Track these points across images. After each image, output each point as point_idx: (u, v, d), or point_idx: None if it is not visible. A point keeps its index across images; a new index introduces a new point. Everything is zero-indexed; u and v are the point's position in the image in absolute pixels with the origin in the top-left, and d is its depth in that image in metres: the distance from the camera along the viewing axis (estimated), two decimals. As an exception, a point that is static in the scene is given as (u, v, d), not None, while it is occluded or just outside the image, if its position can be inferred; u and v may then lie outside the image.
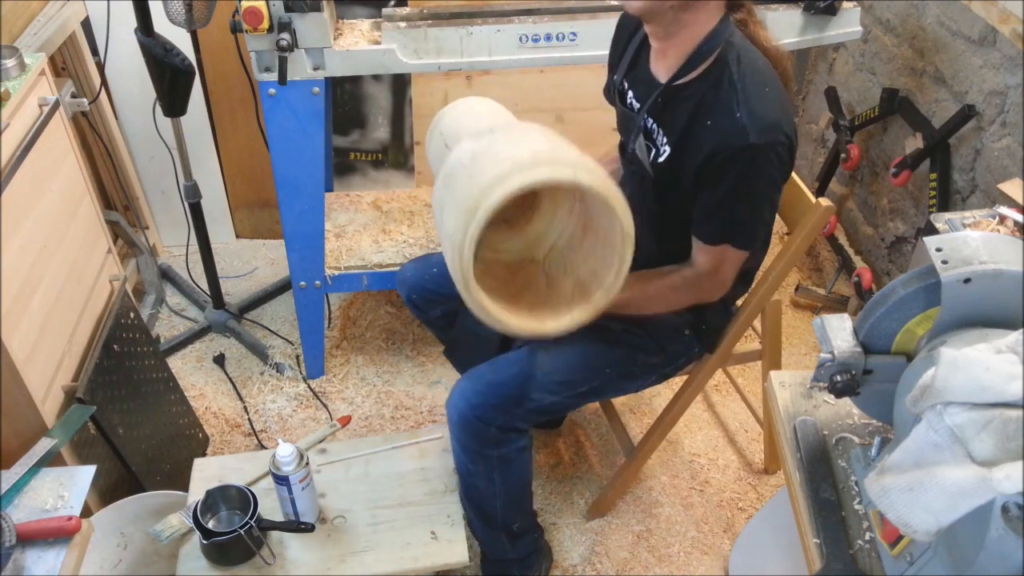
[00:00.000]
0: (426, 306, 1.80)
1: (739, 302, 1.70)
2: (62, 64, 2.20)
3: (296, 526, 1.51)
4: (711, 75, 1.35)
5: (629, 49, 1.52)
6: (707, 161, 1.34)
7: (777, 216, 1.73)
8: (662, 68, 1.42)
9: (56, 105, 1.63)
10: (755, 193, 1.36)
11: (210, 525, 1.49)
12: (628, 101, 1.52)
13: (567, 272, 1.45)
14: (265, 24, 1.68)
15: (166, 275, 2.66)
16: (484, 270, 1.44)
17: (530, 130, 1.31)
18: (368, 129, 2.57)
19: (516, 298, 1.40)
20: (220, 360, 2.41)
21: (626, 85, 1.52)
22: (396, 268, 2.16)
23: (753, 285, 1.65)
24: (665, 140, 1.42)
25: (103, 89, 2.29)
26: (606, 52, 1.62)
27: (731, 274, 1.49)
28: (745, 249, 1.44)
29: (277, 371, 2.38)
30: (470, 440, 1.54)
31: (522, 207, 1.55)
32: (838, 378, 1.05)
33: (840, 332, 1.07)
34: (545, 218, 1.53)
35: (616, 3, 1.76)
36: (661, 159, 1.43)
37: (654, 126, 1.44)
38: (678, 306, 1.55)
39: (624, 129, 1.56)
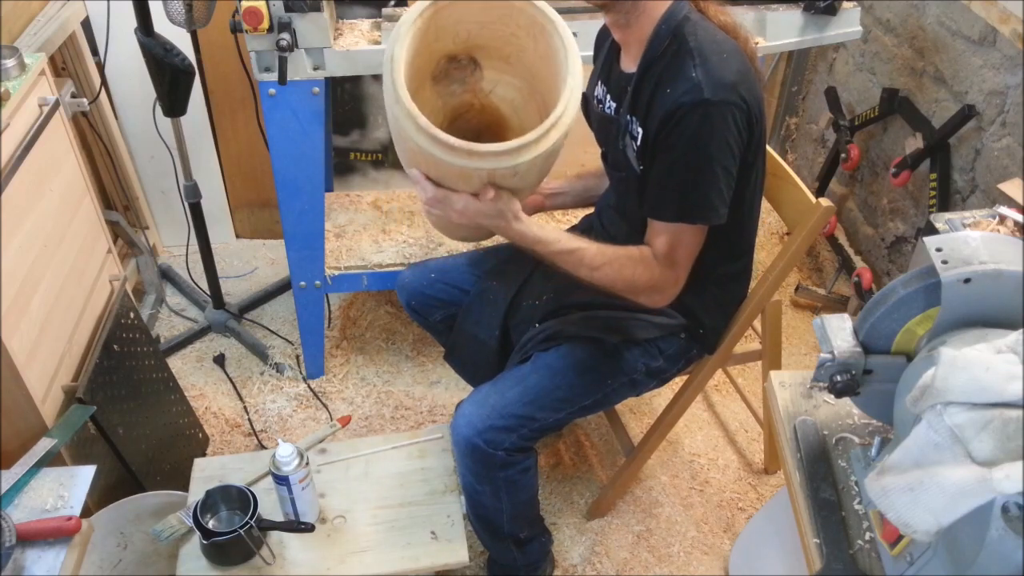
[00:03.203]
0: (425, 311, 1.80)
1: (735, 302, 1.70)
2: (62, 64, 2.20)
3: (296, 526, 1.51)
4: (670, 50, 1.34)
5: (600, 56, 1.53)
6: (663, 124, 1.32)
7: (777, 216, 1.74)
8: (630, 60, 1.42)
9: (56, 105, 1.63)
10: (708, 156, 1.31)
11: (210, 525, 1.48)
12: (607, 106, 1.51)
13: None
14: (265, 24, 1.68)
15: (166, 275, 2.66)
16: None
17: None
18: (368, 129, 2.58)
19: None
20: (220, 360, 2.41)
21: (604, 90, 1.52)
22: (396, 268, 2.16)
23: (753, 285, 1.65)
24: (637, 125, 1.40)
25: (103, 89, 2.29)
26: (605, 52, 1.62)
27: (684, 264, 1.43)
28: (701, 222, 1.38)
29: (277, 371, 2.38)
30: (476, 464, 1.53)
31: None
32: (838, 378, 1.05)
33: (840, 332, 1.07)
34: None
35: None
36: (639, 144, 1.40)
37: (631, 117, 1.41)
38: (632, 283, 1.43)
39: (604, 137, 1.54)
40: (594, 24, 1.80)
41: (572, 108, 1.26)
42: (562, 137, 1.28)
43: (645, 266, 1.43)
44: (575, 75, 1.23)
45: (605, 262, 1.43)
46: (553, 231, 1.42)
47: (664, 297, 1.48)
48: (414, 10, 1.21)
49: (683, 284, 1.47)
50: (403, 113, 1.19)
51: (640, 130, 1.39)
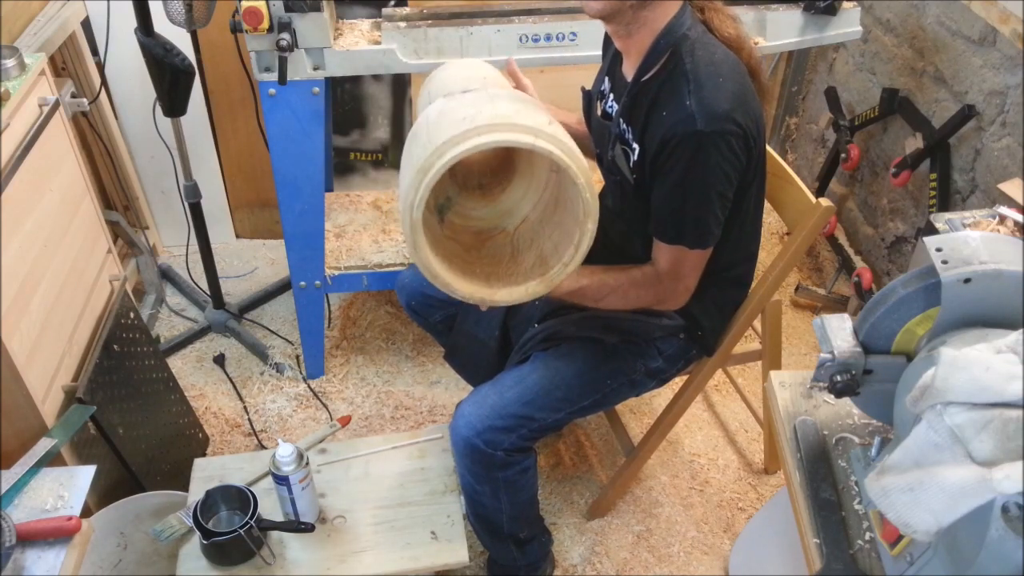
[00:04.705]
0: (425, 312, 1.80)
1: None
2: (62, 64, 2.20)
3: (296, 526, 1.51)
4: (667, 68, 1.35)
5: (608, 53, 1.53)
6: (659, 151, 1.33)
7: (777, 216, 1.74)
8: (629, 68, 1.42)
9: (56, 105, 1.63)
10: (704, 185, 1.33)
11: (210, 525, 1.49)
12: (608, 103, 1.51)
13: (532, 245, 1.40)
14: (265, 24, 1.68)
15: (166, 275, 2.66)
16: (450, 235, 1.41)
17: (501, 96, 1.27)
18: (368, 129, 2.58)
19: (474, 265, 1.36)
20: (220, 360, 2.41)
21: (610, 87, 1.52)
22: (396, 268, 2.16)
23: (753, 285, 1.65)
24: (632, 138, 1.41)
25: (103, 89, 2.29)
26: (605, 53, 1.62)
27: (692, 276, 1.46)
28: (699, 247, 1.40)
29: (277, 371, 2.38)
30: (475, 465, 1.53)
31: (498, 175, 1.52)
32: (838, 378, 1.05)
33: (840, 332, 1.07)
34: (520, 188, 1.48)
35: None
36: (635, 158, 1.41)
37: (626, 127, 1.43)
38: (638, 304, 1.50)
39: (599, 141, 1.54)
40: (594, 24, 1.78)
41: (577, 263, 1.29)
42: None
43: (648, 286, 1.47)
44: (586, 239, 1.25)
45: (609, 292, 1.47)
46: None
47: (675, 304, 1.53)
48: (441, 159, 1.16)
49: (694, 289, 1.49)
50: (419, 262, 1.26)
51: (636, 145, 1.40)
